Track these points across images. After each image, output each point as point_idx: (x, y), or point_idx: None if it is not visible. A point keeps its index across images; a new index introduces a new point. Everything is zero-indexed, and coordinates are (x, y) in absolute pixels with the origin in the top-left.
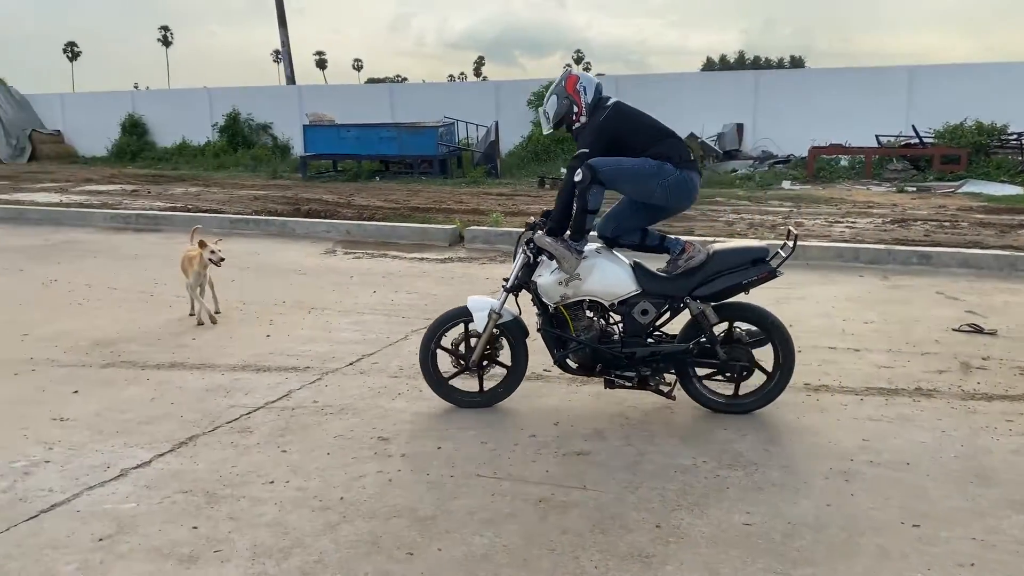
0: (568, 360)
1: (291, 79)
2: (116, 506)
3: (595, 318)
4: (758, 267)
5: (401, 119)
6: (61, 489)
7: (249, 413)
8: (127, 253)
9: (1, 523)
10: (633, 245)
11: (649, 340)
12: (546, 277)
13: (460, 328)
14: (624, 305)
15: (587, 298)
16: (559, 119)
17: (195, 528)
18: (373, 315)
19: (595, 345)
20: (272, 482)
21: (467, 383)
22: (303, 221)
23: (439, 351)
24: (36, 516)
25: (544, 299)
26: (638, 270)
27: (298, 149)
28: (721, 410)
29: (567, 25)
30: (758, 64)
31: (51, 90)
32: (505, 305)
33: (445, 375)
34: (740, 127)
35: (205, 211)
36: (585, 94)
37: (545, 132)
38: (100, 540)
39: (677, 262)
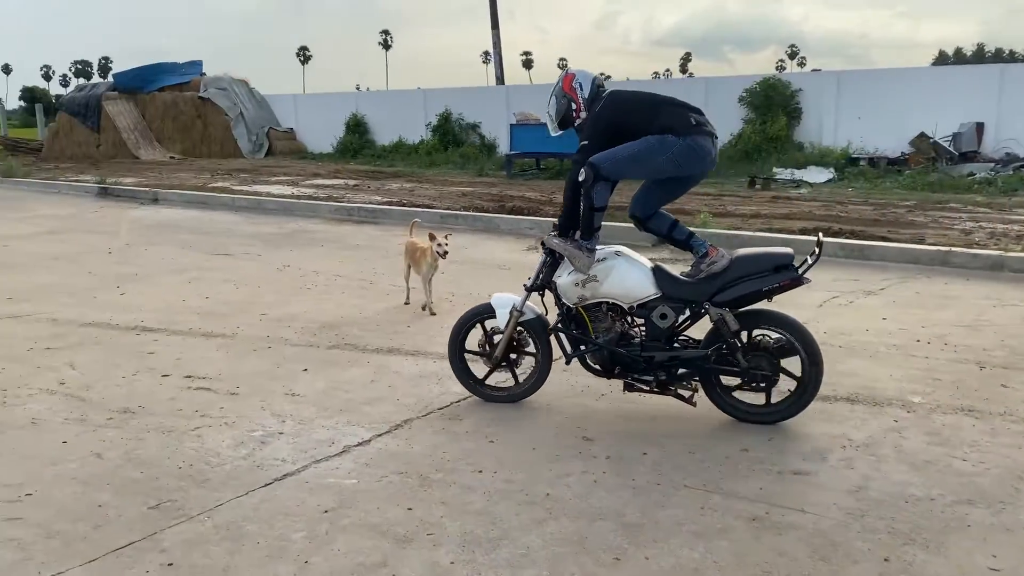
0: (588, 360)
1: (500, 79)
2: (339, 481)
3: (615, 320)
4: (781, 273)
5: None
6: (292, 460)
7: (459, 401)
8: (350, 243)
9: (241, 487)
10: (661, 233)
11: (674, 345)
12: (564, 278)
13: (487, 324)
14: (643, 308)
15: (606, 300)
16: (560, 118)
17: (410, 509)
18: None
19: (612, 348)
20: (481, 471)
21: (494, 378)
22: (507, 218)
23: (466, 351)
24: (270, 484)
25: (564, 299)
26: (658, 273)
27: (503, 147)
28: (745, 419)
29: (781, 19)
30: (1000, 57)
31: (285, 91)
32: (528, 303)
33: (476, 374)
34: (980, 126)
35: (418, 206)
36: (582, 90)
37: (552, 134)
38: (325, 512)
39: (700, 266)
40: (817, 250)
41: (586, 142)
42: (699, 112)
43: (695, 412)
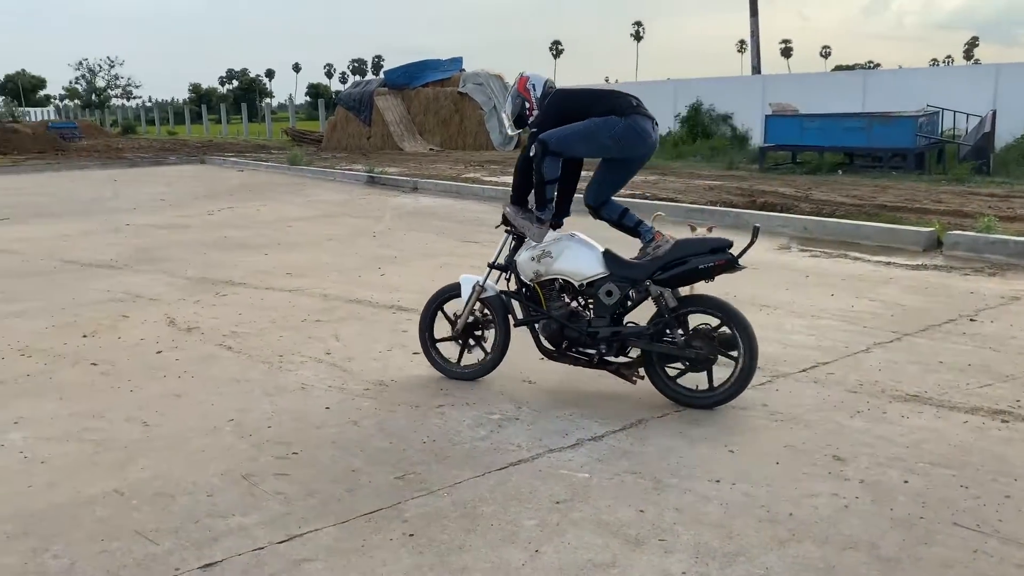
0: (541, 337)
1: (756, 68)
2: (571, 473)
3: (566, 297)
4: (716, 255)
5: (872, 108)
6: (527, 447)
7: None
8: (592, 235)
9: (479, 468)
10: (612, 220)
11: (619, 324)
12: (523, 255)
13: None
14: (591, 287)
15: (559, 277)
16: (516, 117)
17: (641, 511)
18: (830, 320)
19: (564, 321)
20: (718, 481)
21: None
22: (758, 214)
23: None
24: (505, 468)
25: (521, 276)
26: (607, 255)
27: (756, 140)
28: (688, 404)
29: None
30: None
31: None
32: (490, 281)
33: (440, 349)
34: None
35: (662, 199)
36: (535, 91)
37: (511, 133)
38: (557, 503)
39: (646, 249)
40: (753, 238)
41: (535, 128)
42: (639, 100)
43: (970, 441)
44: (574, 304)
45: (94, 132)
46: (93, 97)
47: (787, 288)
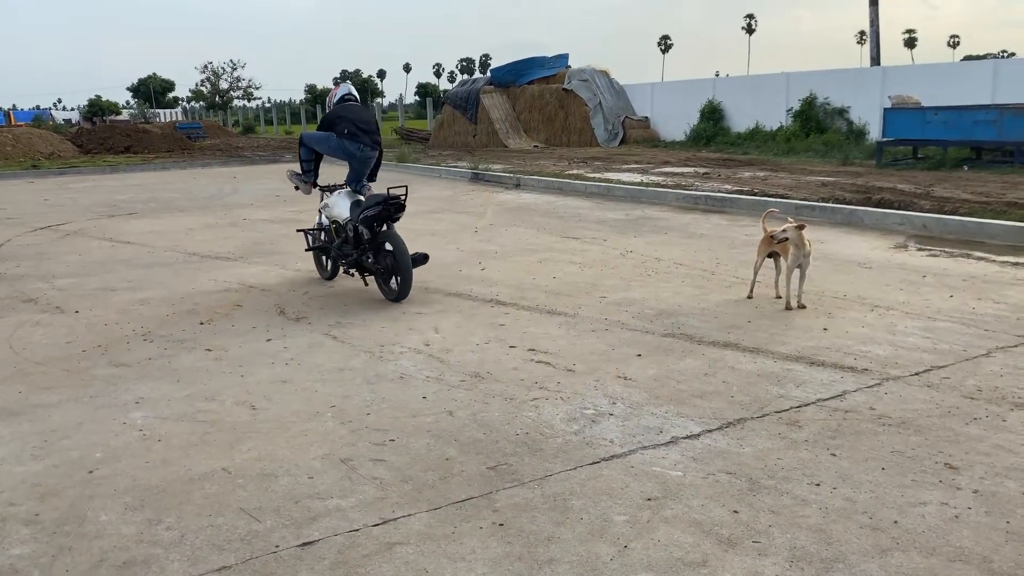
0: (337, 260)
1: (875, 60)
2: (664, 471)
3: (340, 233)
4: (378, 206)
5: (1004, 100)
6: (620, 443)
7: (799, 407)
8: (694, 232)
9: (570, 462)
10: (356, 191)
11: (358, 248)
12: (320, 205)
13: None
14: (344, 227)
15: (336, 220)
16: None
17: (735, 512)
18: (947, 322)
19: (339, 249)
20: (818, 485)
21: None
22: (873, 211)
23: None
24: (597, 463)
25: (321, 220)
26: (354, 205)
27: (874, 134)
28: (389, 299)
29: None
30: None
31: (643, 80)
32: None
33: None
34: None
35: (771, 196)
36: (334, 98)
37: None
38: (648, 500)
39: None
40: (403, 197)
41: (316, 126)
42: (365, 131)
43: None
44: (344, 236)
45: (217, 132)
46: (217, 99)
47: (902, 288)
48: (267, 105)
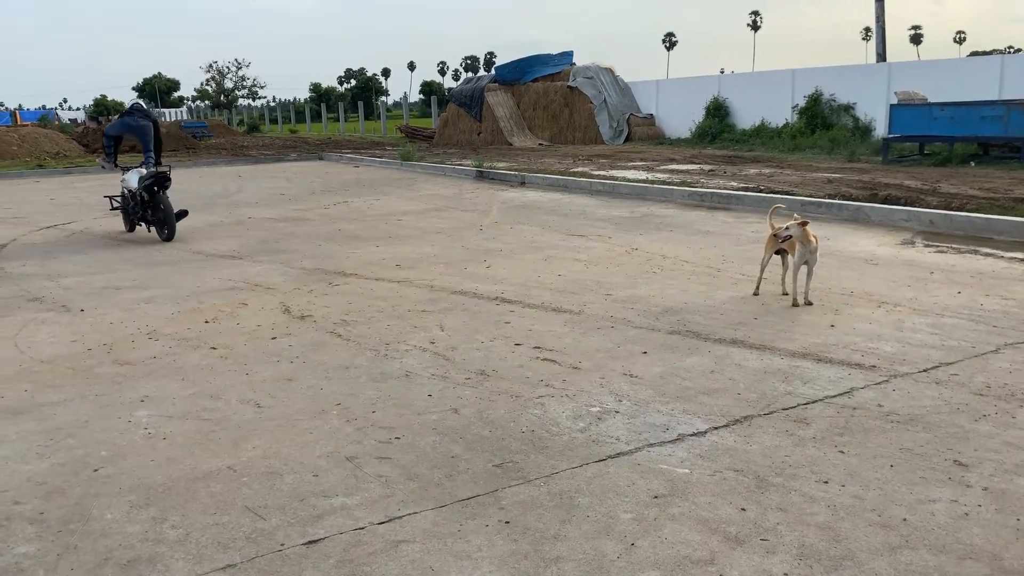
0: (135, 219)
1: (881, 56)
2: (671, 468)
3: (135, 198)
4: (153, 179)
5: (1011, 95)
6: (626, 440)
7: (807, 404)
8: (699, 229)
9: (576, 459)
10: (145, 167)
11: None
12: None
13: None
14: (136, 194)
15: (130, 189)
16: None
17: (743, 510)
18: (955, 319)
19: (132, 210)
20: (826, 482)
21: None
22: (879, 207)
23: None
24: (603, 460)
25: (123, 188)
26: (140, 180)
27: (880, 130)
28: (163, 239)
29: None
30: None
31: (648, 77)
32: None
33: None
34: None
35: (777, 192)
36: (129, 107)
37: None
38: (655, 497)
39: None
40: (168, 171)
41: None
42: (138, 111)
43: None
44: (137, 200)
45: (222, 131)
46: (222, 98)
47: (909, 285)
48: (272, 104)
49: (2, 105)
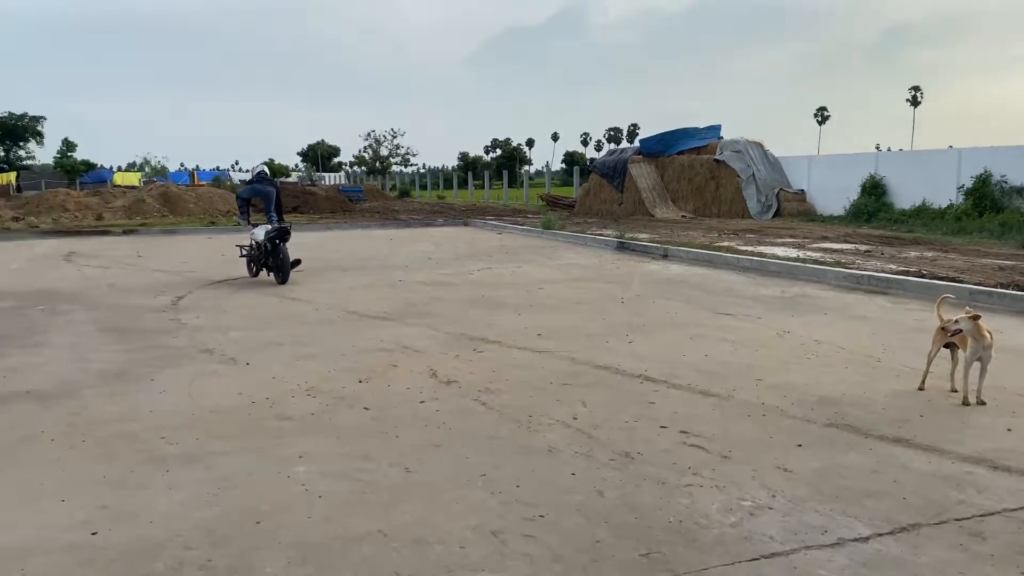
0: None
1: None
2: (830, 575)
3: (260, 249)
4: (278, 234)
5: None
6: (781, 540)
7: (983, 516)
8: (856, 313)
9: (728, 556)
10: (269, 223)
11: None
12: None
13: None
14: (261, 245)
15: (256, 240)
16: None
17: None
18: None
19: (257, 258)
20: None
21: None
22: None
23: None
24: (757, 559)
25: (252, 241)
26: (267, 232)
27: None
28: (278, 283)
29: None
30: None
31: (799, 153)
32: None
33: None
34: None
35: (940, 278)
36: (254, 171)
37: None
38: None
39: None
40: (289, 228)
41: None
42: (265, 179)
43: None
44: (262, 251)
45: (376, 195)
46: (377, 164)
47: None
48: (422, 171)
49: (182, 166)
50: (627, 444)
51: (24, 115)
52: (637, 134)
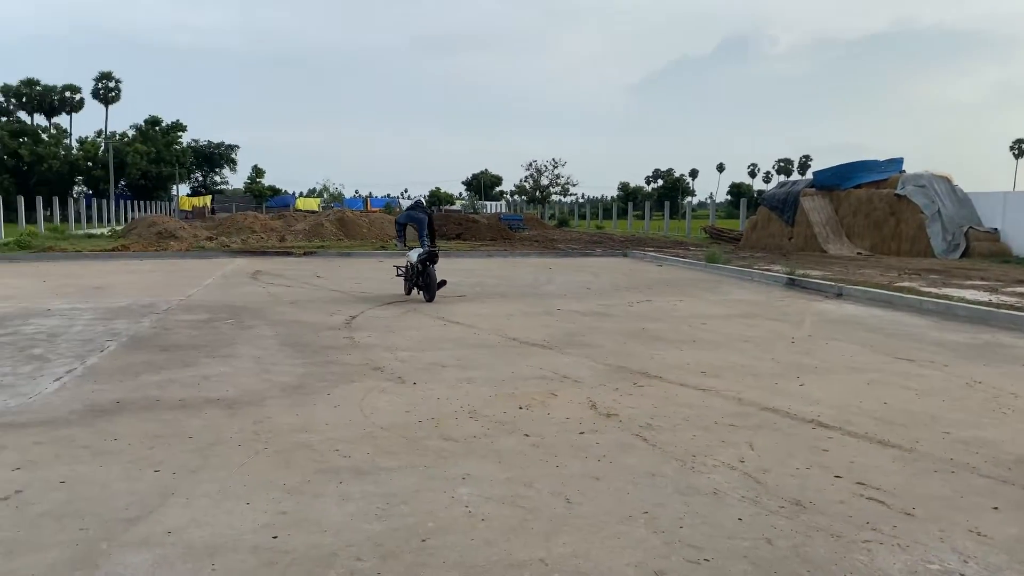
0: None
1: None
2: None
3: (415, 268)
4: (428, 256)
5: None
6: None
7: None
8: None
9: None
10: (421, 246)
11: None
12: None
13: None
14: (415, 265)
15: (411, 262)
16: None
17: None
18: None
19: (411, 278)
20: None
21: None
22: None
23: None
24: None
25: (407, 262)
26: (420, 255)
27: None
28: (426, 300)
29: None
30: None
31: (992, 188)
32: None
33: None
34: None
35: None
36: (411, 200)
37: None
38: None
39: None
40: (438, 251)
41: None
42: (418, 206)
43: None
44: (416, 271)
45: (535, 224)
46: (537, 193)
47: None
48: (581, 201)
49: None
50: (798, 492)
51: (221, 143)
52: (809, 166)
